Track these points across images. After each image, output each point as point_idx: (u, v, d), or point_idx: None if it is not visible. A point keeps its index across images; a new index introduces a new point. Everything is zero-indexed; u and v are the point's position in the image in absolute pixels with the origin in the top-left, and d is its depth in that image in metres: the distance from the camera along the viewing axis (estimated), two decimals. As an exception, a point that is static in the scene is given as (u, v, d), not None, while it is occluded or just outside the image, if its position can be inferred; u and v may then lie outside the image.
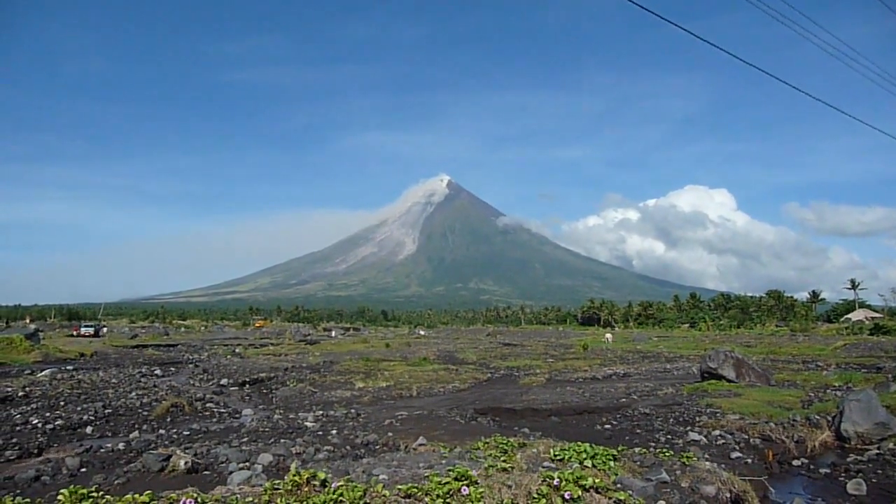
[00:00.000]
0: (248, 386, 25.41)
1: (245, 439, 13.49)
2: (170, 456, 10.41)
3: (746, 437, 13.06)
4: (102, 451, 12.44)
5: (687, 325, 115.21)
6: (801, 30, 18.41)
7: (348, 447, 12.39)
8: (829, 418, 13.74)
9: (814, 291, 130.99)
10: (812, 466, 11.35)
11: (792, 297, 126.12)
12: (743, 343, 50.99)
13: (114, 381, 24.21)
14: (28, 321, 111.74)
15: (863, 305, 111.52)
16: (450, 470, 6.77)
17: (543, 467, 7.61)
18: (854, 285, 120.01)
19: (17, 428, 14.82)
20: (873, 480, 10.13)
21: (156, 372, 29.02)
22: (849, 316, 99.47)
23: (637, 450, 9.41)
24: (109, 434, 15.10)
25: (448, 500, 6.13)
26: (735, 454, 11.75)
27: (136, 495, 5.57)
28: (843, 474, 10.63)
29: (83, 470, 11.01)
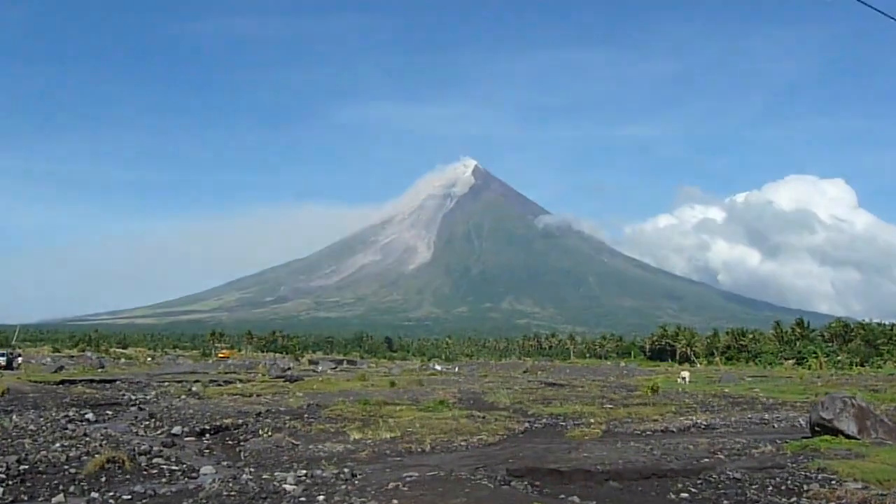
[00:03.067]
0: (208, 436, 25.61)
1: (203, 506, 13.56)
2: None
3: (873, 512, 12.87)
4: (17, 520, 12.56)
5: (792, 360, 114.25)
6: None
7: (339, 519, 12.40)
8: None
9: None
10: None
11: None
12: (868, 387, 50.36)
13: (31, 427, 24.48)
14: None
15: None
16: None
17: (599, 550, 7.54)
18: None
19: None
20: None
21: (87, 416, 29.31)
22: None
23: (725, 528, 9.30)
24: (25, 498, 15.21)
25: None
26: (858, 536, 11.58)
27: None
28: None
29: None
